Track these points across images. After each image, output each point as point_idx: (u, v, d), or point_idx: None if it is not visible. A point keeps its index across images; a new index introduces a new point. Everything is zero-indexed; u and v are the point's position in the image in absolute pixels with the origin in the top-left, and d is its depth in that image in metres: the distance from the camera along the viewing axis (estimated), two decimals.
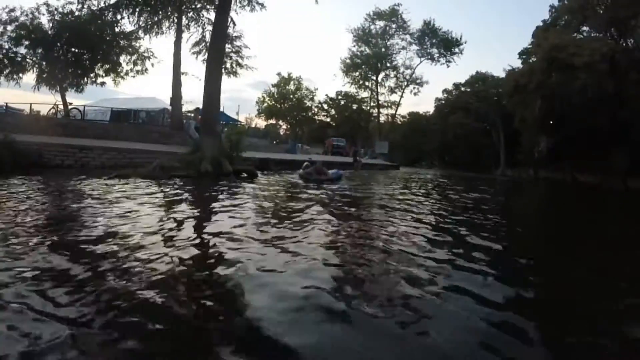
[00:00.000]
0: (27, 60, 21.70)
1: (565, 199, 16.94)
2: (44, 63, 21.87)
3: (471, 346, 2.26)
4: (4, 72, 20.90)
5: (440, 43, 46.86)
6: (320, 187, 10.42)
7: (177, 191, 8.11)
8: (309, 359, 2.01)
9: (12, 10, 20.80)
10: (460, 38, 46.99)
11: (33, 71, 21.96)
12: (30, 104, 23.45)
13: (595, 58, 24.56)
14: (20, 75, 21.53)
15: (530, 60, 35.62)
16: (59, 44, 21.60)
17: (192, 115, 18.42)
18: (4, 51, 20.74)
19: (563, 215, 10.77)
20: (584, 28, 32.20)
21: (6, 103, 23.00)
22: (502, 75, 41.09)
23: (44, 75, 22.04)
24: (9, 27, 20.70)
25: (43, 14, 21.34)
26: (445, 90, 51.88)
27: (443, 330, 2.38)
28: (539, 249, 5.54)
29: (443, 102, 51.86)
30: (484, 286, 3.28)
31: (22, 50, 21.26)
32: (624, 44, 28.76)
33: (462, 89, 49.17)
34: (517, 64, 40.44)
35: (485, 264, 3.91)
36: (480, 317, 2.64)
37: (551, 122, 30.35)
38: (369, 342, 2.23)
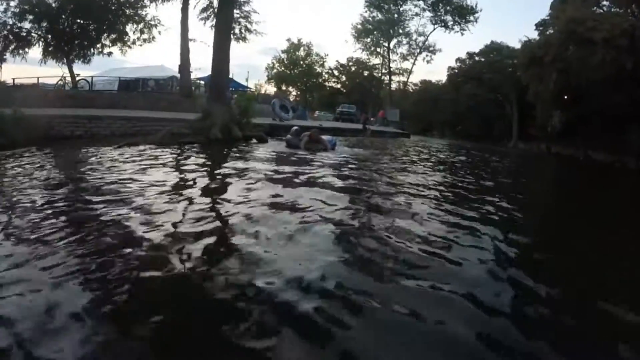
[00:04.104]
0: (32, 34, 21.58)
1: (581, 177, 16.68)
2: (50, 36, 21.72)
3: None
4: (10, 48, 20.87)
5: (454, 10, 45.65)
6: (315, 154, 9.90)
7: (187, 157, 8.43)
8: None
9: None
10: (476, 6, 45.80)
11: (39, 45, 21.99)
12: (38, 77, 23.37)
13: (615, 33, 23.56)
14: (26, 50, 21.65)
15: (547, 32, 34.30)
16: (63, 16, 21.40)
17: (276, 94, 18.73)
18: (9, 27, 20.66)
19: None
20: (604, 2, 30.73)
21: (13, 79, 22.94)
22: (518, 46, 39.47)
23: (50, 49, 21.91)
24: (12, 3, 20.50)
25: None
26: (458, 59, 50.36)
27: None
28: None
29: (456, 71, 50.48)
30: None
31: (27, 24, 21.18)
32: None
33: (476, 58, 47.68)
34: (534, 35, 38.91)
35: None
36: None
37: (566, 97, 29.54)
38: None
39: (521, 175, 13.65)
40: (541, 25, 38.74)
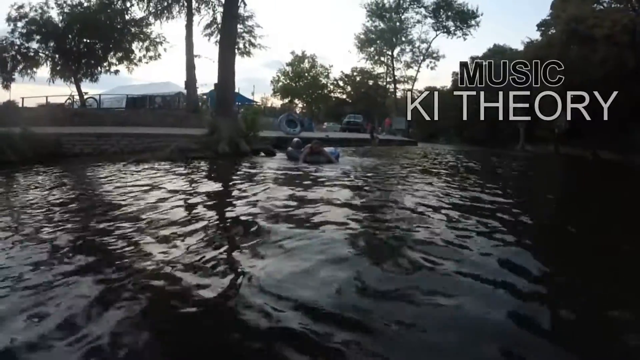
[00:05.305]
0: (40, 54, 22.11)
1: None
2: (57, 56, 22.22)
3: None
4: (18, 68, 21.33)
5: (456, 16, 45.64)
6: (318, 166, 9.33)
7: (196, 171, 8.49)
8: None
9: (21, 6, 21.18)
10: (477, 10, 45.73)
11: (46, 65, 22.49)
12: (46, 96, 23.83)
13: (615, 30, 23.59)
14: (34, 69, 22.14)
15: (549, 32, 34.34)
16: (70, 36, 21.94)
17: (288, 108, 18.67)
18: (16, 47, 21.15)
19: None
20: None
21: (22, 98, 23.38)
22: (521, 48, 39.57)
23: (58, 68, 22.40)
24: (19, 24, 21.10)
25: (52, 8, 21.74)
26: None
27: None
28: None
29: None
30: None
31: (34, 44, 21.76)
32: None
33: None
34: (536, 36, 38.94)
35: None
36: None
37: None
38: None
39: (533, 178, 13.50)
40: (543, 26, 38.81)
